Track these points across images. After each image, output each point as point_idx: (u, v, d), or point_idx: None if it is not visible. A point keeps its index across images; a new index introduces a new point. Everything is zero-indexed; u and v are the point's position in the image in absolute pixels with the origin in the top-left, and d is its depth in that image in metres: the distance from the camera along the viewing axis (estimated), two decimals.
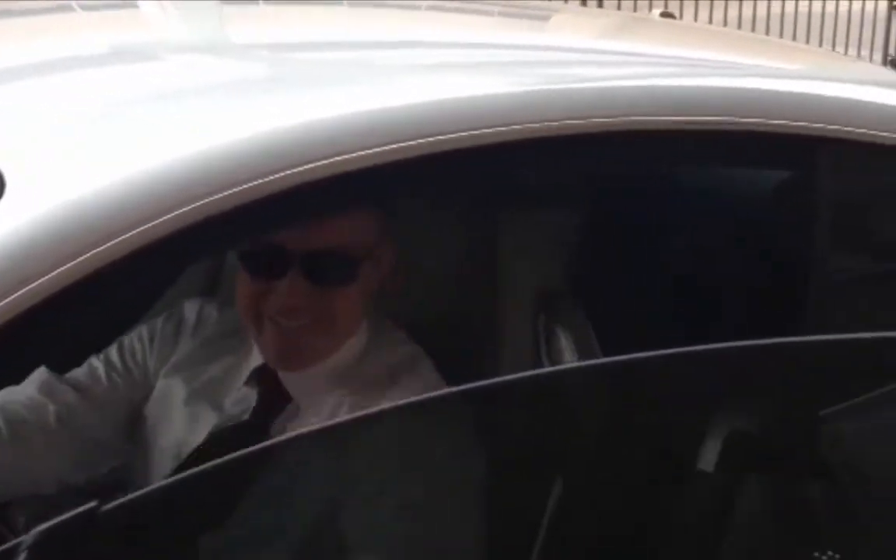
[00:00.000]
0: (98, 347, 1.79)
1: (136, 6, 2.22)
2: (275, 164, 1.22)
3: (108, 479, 1.73)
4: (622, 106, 1.52)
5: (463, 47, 2.04)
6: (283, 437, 1.42)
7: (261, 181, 1.20)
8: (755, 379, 1.33)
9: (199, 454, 1.62)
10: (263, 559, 1.27)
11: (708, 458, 1.34)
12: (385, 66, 1.73)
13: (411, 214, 1.75)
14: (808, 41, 8.14)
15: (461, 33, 2.24)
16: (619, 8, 7.84)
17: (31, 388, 1.66)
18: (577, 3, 7.80)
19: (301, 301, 1.57)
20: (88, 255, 1.10)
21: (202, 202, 1.16)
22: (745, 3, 8.42)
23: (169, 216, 1.14)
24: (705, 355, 1.25)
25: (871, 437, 1.48)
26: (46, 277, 1.07)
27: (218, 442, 1.63)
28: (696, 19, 8.18)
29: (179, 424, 1.68)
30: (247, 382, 1.69)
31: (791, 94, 1.75)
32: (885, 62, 8.62)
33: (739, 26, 8.18)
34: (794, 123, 1.63)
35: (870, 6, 8.69)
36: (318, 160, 1.24)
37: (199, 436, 1.65)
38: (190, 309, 1.82)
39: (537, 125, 1.41)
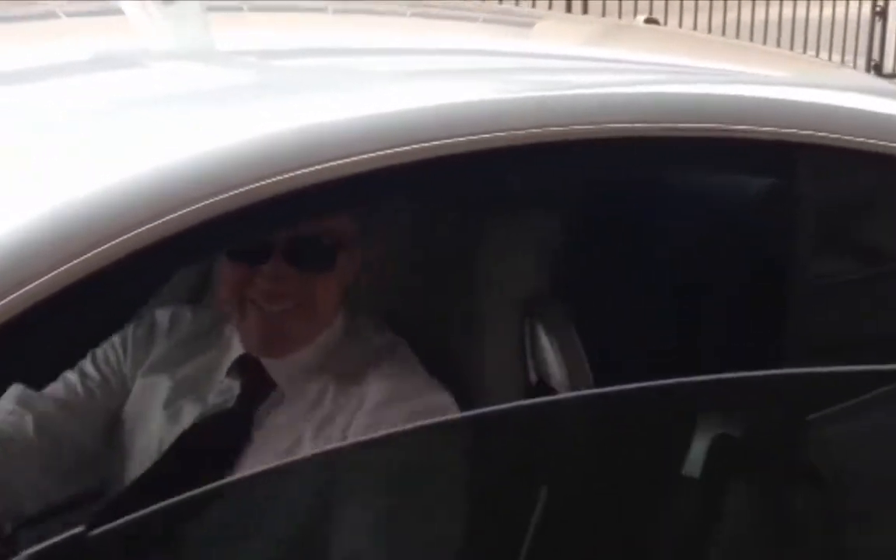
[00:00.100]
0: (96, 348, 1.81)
1: (120, 12, 2.22)
2: (270, 168, 1.23)
3: (90, 488, 1.73)
4: (605, 113, 1.53)
5: (447, 54, 2.04)
6: (277, 464, 1.43)
7: (257, 185, 1.21)
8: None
9: (185, 444, 1.64)
10: None
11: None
12: (368, 73, 1.73)
13: (390, 215, 1.78)
14: (792, 47, 8.17)
15: (445, 40, 2.25)
16: (603, 14, 7.86)
17: (7, 403, 1.66)
18: (562, 9, 7.83)
19: (284, 286, 1.61)
20: (87, 255, 1.11)
21: (196, 206, 1.17)
22: (729, 9, 8.45)
23: (160, 221, 1.15)
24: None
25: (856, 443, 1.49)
26: (45, 278, 1.08)
27: (203, 431, 1.66)
28: (680, 25, 8.21)
29: (160, 422, 1.70)
30: (228, 374, 1.71)
31: (775, 101, 1.76)
32: (868, 68, 8.66)
33: (724, 32, 8.21)
34: (778, 130, 1.64)
35: (853, 12, 8.73)
36: (309, 166, 1.25)
37: (178, 426, 1.67)
38: (161, 314, 1.85)
39: (520, 132, 1.42)
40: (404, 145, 1.32)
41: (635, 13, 7.75)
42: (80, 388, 1.75)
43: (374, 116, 1.39)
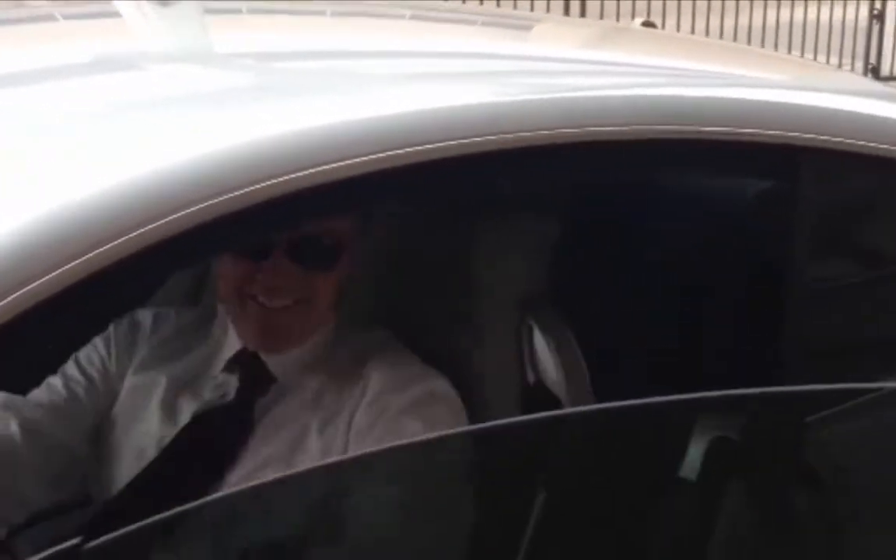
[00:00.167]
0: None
1: (118, 15, 2.22)
2: (268, 171, 1.24)
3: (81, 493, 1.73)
4: (603, 116, 1.53)
5: (446, 57, 2.05)
6: (275, 477, 1.43)
7: (255, 187, 1.22)
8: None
9: (186, 439, 1.65)
10: None
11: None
12: (367, 76, 1.74)
13: (387, 217, 1.79)
14: (790, 50, 8.18)
15: (444, 43, 2.25)
16: (601, 16, 7.87)
17: None
18: (560, 12, 7.83)
19: (284, 281, 1.62)
20: (85, 258, 1.11)
21: (194, 209, 1.18)
22: (727, 12, 8.47)
23: (158, 224, 1.16)
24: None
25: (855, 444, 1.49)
26: (43, 280, 1.09)
27: (205, 425, 1.66)
28: (678, 28, 8.22)
29: (157, 419, 1.70)
30: (225, 369, 1.72)
31: (772, 105, 1.76)
32: (866, 71, 8.67)
33: (722, 36, 8.22)
34: (776, 133, 1.64)
35: (851, 15, 8.74)
36: (306, 169, 1.26)
37: (175, 422, 1.68)
38: (143, 314, 1.85)
39: (517, 135, 1.42)
40: (401, 148, 1.33)
41: (633, 16, 7.76)
42: (64, 391, 1.74)
43: (372, 120, 1.39)
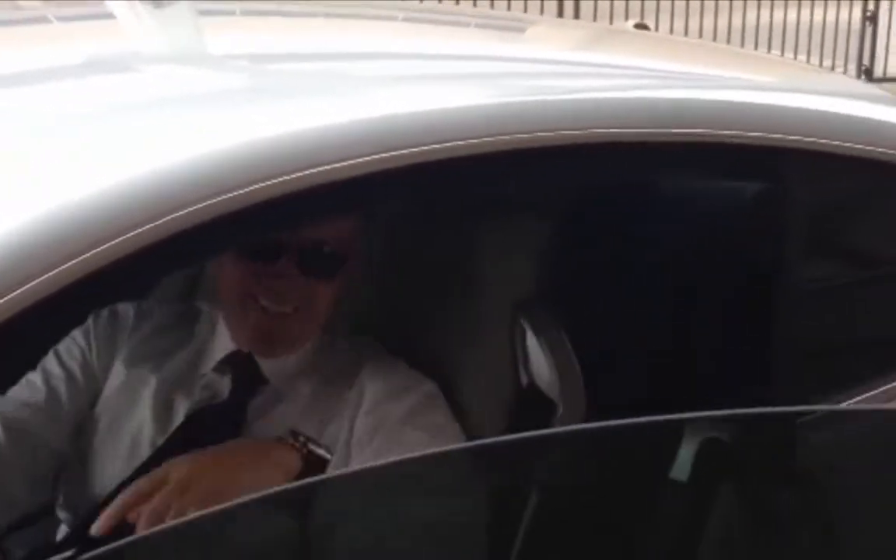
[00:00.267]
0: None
1: (112, 16, 2.23)
2: (264, 172, 1.25)
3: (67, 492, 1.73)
4: (595, 118, 1.54)
5: (438, 59, 2.05)
6: (271, 490, 1.43)
7: (252, 188, 1.23)
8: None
9: (181, 438, 1.64)
10: None
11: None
12: (361, 78, 1.74)
13: (381, 219, 1.79)
14: (783, 51, 8.19)
15: (437, 45, 2.26)
16: (595, 18, 7.88)
17: None
18: (554, 13, 7.84)
19: (289, 287, 1.62)
20: (83, 257, 1.12)
21: (191, 209, 1.19)
22: (720, 12, 8.48)
23: (155, 223, 1.16)
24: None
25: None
26: (42, 279, 1.10)
27: (198, 424, 1.66)
28: (671, 29, 8.23)
29: (148, 419, 1.69)
30: (216, 369, 1.71)
31: (765, 107, 1.77)
32: (859, 72, 8.68)
33: (715, 36, 8.23)
34: (768, 135, 1.65)
35: (844, 16, 8.75)
36: (303, 169, 1.27)
37: (172, 423, 1.67)
38: (124, 306, 1.82)
39: (512, 137, 1.43)
40: (396, 150, 1.33)
41: (626, 16, 7.77)
42: (44, 387, 1.71)
43: (366, 121, 1.40)
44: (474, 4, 7.61)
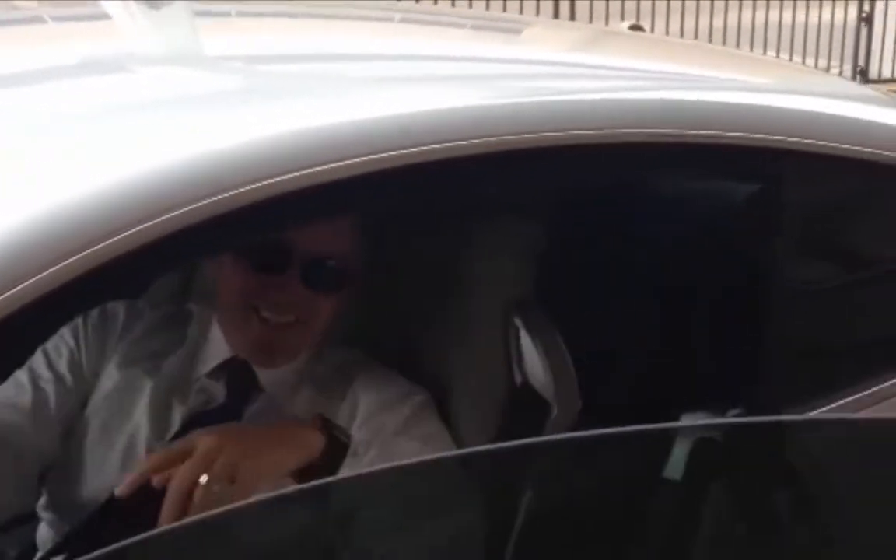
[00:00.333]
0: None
1: (107, 16, 2.23)
2: (258, 172, 1.25)
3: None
4: (590, 119, 1.54)
5: (434, 60, 2.06)
6: (269, 494, 1.43)
7: (249, 187, 1.23)
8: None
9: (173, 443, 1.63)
10: None
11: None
12: (355, 79, 1.74)
13: (376, 220, 1.79)
14: (778, 52, 8.20)
15: (432, 46, 2.26)
16: (590, 19, 7.89)
17: None
18: (550, 15, 7.84)
19: (292, 299, 1.62)
20: (80, 256, 1.12)
21: (187, 209, 1.19)
22: (716, 13, 8.48)
23: (151, 223, 1.17)
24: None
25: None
26: (38, 277, 1.10)
27: (192, 430, 1.62)
28: (667, 29, 8.23)
29: (145, 423, 1.68)
30: (210, 375, 1.71)
31: (759, 108, 1.78)
32: (854, 73, 8.69)
33: (710, 37, 8.24)
34: (763, 136, 1.66)
35: (839, 17, 8.76)
36: (298, 170, 1.27)
37: (169, 425, 1.66)
38: (114, 306, 1.80)
39: (506, 138, 1.43)
40: (389, 151, 1.34)
41: (622, 17, 7.77)
42: (31, 388, 1.69)
43: (359, 123, 1.40)
44: (470, 5, 7.61)
